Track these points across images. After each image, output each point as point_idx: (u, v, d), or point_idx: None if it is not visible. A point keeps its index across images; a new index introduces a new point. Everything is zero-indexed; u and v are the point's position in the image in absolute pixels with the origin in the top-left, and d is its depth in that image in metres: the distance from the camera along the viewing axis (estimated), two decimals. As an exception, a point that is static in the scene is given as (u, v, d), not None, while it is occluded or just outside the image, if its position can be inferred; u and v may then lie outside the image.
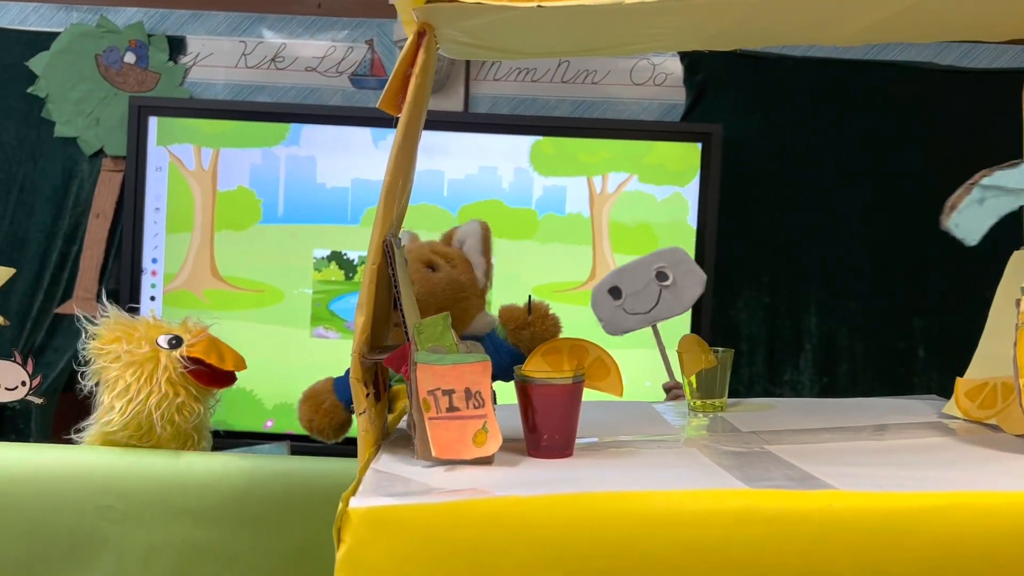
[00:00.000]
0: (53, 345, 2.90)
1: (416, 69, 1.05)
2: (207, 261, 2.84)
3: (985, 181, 1.79)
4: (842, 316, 2.93)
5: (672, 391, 1.88)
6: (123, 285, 2.83)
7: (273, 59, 3.03)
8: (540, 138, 2.85)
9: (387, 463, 1.04)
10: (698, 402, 1.49)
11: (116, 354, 1.54)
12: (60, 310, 2.90)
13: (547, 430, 1.09)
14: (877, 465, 1.08)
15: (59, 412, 2.73)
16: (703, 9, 1.08)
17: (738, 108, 2.95)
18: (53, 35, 2.97)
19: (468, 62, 2.99)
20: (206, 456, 1.49)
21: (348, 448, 2.01)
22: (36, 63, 2.95)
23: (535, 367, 1.16)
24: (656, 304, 1.65)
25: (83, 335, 1.62)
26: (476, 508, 0.86)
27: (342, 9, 3.03)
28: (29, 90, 2.94)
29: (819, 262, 2.93)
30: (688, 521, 0.86)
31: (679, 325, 2.67)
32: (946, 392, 1.52)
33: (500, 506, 0.87)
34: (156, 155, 2.85)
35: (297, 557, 1.38)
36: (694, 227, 2.81)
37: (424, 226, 2.82)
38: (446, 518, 0.85)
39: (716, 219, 2.80)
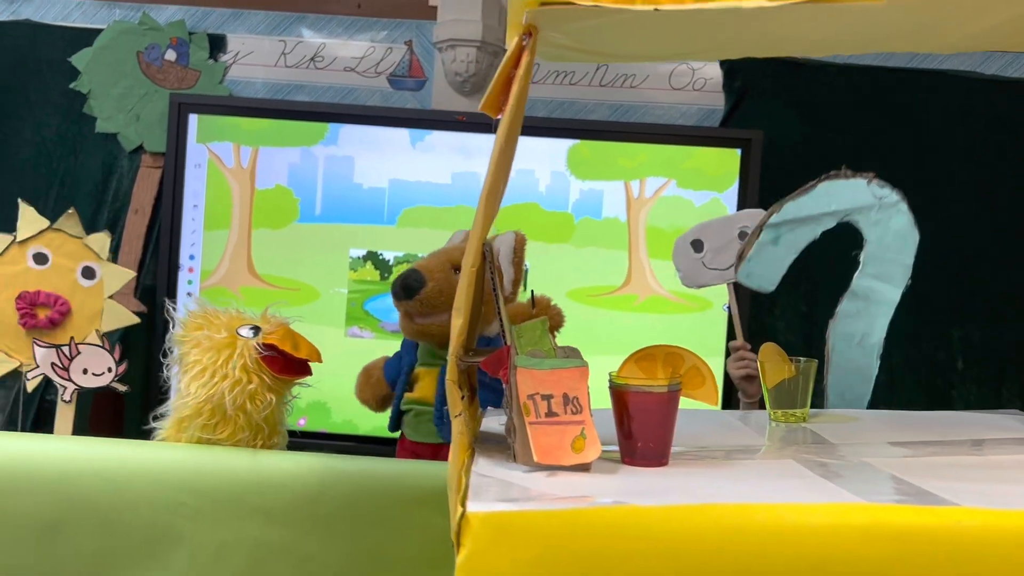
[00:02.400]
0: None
1: (520, 71, 1.03)
2: (244, 259, 2.86)
3: (774, 219, 1.76)
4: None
5: (739, 351, 1.88)
6: (160, 281, 2.85)
7: (312, 59, 3.04)
8: (578, 141, 2.84)
9: (487, 467, 1.02)
10: (779, 412, 1.46)
11: (197, 340, 1.56)
12: (97, 304, 2.92)
13: (643, 438, 1.07)
14: (991, 481, 1.06)
15: (95, 407, 2.75)
16: (815, 15, 1.07)
17: (777, 114, 2.93)
18: (96, 32, 3.00)
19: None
20: (279, 455, 1.48)
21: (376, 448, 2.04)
22: (79, 59, 2.98)
23: (628, 373, 1.14)
24: (735, 264, 1.65)
25: (170, 325, 1.64)
26: (597, 516, 0.85)
27: (381, 10, 3.04)
28: (72, 86, 2.97)
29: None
30: (812, 535, 0.85)
31: (718, 332, 2.68)
32: (989, 404, 1.50)
33: (621, 515, 0.86)
34: (195, 152, 2.87)
35: (368, 559, 1.37)
36: (732, 233, 2.79)
37: (460, 227, 2.83)
38: (566, 525, 0.84)
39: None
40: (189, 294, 2.86)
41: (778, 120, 2.92)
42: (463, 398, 1.06)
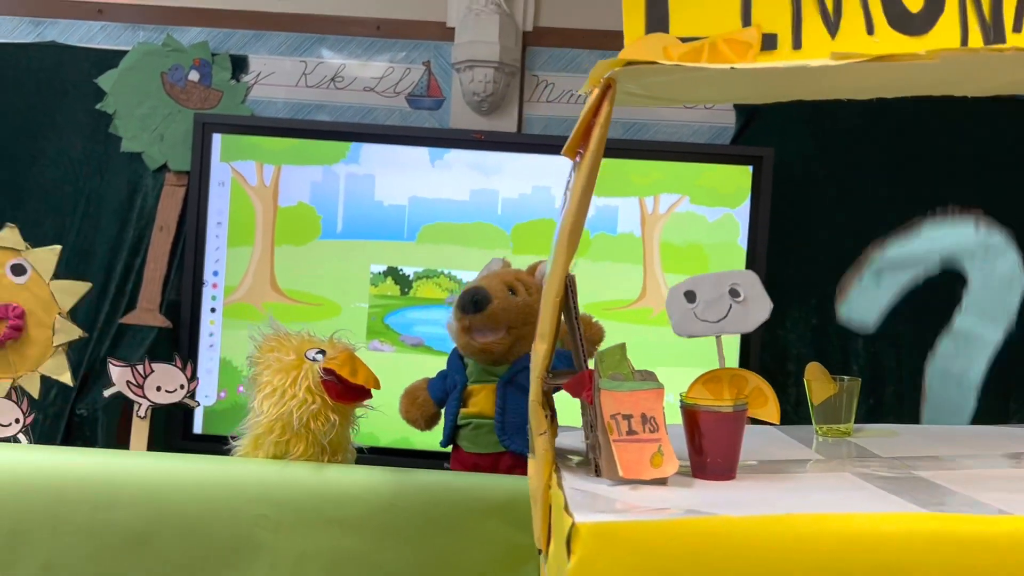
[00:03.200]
0: (118, 355, 2.97)
1: (600, 119, 1.12)
2: (267, 274, 2.92)
3: (878, 258, 1.83)
4: (890, 338, 2.96)
5: None
6: (184, 297, 2.91)
7: (332, 79, 3.11)
8: (593, 159, 2.91)
9: (575, 481, 1.10)
10: (824, 427, 1.56)
11: (269, 362, 1.65)
12: (124, 320, 2.99)
13: (713, 454, 1.16)
14: None
15: (123, 422, 2.81)
16: (878, 68, 1.14)
17: (787, 131, 3.00)
18: (121, 53, 3.07)
19: (522, 84, 3.06)
20: (353, 468, 1.57)
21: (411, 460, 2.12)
22: (105, 80, 3.05)
23: (697, 394, 1.24)
24: (725, 316, 1.72)
25: (251, 346, 1.73)
26: (696, 526, 0.93)
27: (400, 31, 3.11)
28: (98, 106, 3.04)
29: (867, 284, 2.97)
30: (886, 543, 0.92)
31: (730, 346, 2.74)
32: (996, 416, 1.59)
33: (718, 525, 0.94)
34: (219, 170, 2.93)
35: (438, 567, 1.45)
36: (744, 248, 2.86)
37: (478, 243, 2.92)
38: (668, 534, 0.91)
39: (767, 241, 2.84)
40: (213, 310, 2.92)
41: (788, 137, 2.99)
42: (547, 416, 1.14)
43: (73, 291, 2.21)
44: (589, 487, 1.08)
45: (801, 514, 0.96)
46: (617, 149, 2.95)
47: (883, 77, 1.24)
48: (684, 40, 1.11)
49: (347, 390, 1.61)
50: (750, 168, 2.87)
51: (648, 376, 1.21)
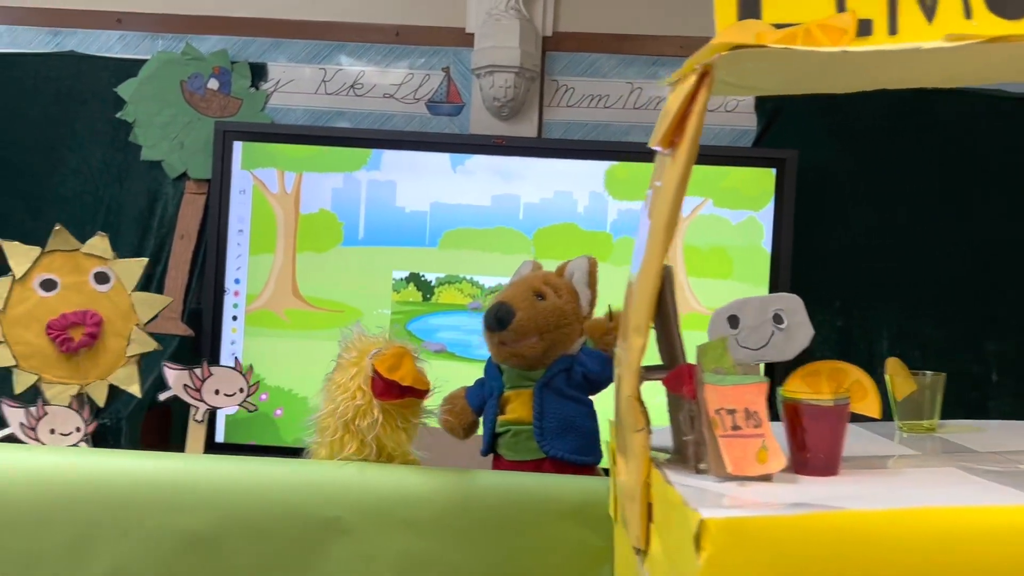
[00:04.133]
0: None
1: (697, 108, 1.10)
2: (289, 282, 2.91)
3: None
4: (915, 340, 2.94)
5: None
6: (206, 305, 2.90)
7: (352, 86, 3.11)
8: (615, 163, 2.91)
9: (680, 478, 1.08)
10: (906, 423, 1.55)
11: (339, 362, 1.68)
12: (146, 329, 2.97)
13: (815, 449, 1.14)
14: None
15: (145, 427, 2.80)
16: (986, 53, 1.12)
17: (810, 133, 2.99)
18: (140, 62, 3.07)
19: (542, 89, 3.05)
20: (424, 470, 1.54)
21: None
22: (124, 89, 3.05)
23: (795, 388, 1.21)
24: (766, 344, 1.71)
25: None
26: (832, 521, 0.91)
27: (419, 38, 3.11)
28: (118, 115, 3.03)
29: (892, 286, 2.95)
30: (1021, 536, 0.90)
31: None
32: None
33: (854, 520, 0.92)
34: (240, 178, 2.93)
35: (510, 570, 1.42)
36: (768, 251, 2.85)
37: (500, 248, 2.91)
38: (802, 530, 0.90)
39: (791, 243, 2.83)
40: (235, 317, 2.91)
41: (811, 139, 2.98)
42: (643, 412, 1.12)
43: (153, 304, 2.22)
44: (696, 483, 1.06)
45: (939, 507, 0.95)
46: (639, 152, 2.94)
47: (990, 61, 1.21)
48: (777, 27, 1.09)
49: (388, 387, 1.60)
50: (773, 170, 2.86)
51: (750, 370, 1.19)
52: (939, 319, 2.96)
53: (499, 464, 2.01)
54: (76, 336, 2.11)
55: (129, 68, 3.07)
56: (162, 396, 2.03)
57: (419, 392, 1.64)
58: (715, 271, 2.87)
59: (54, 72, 3.09)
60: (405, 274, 2.91)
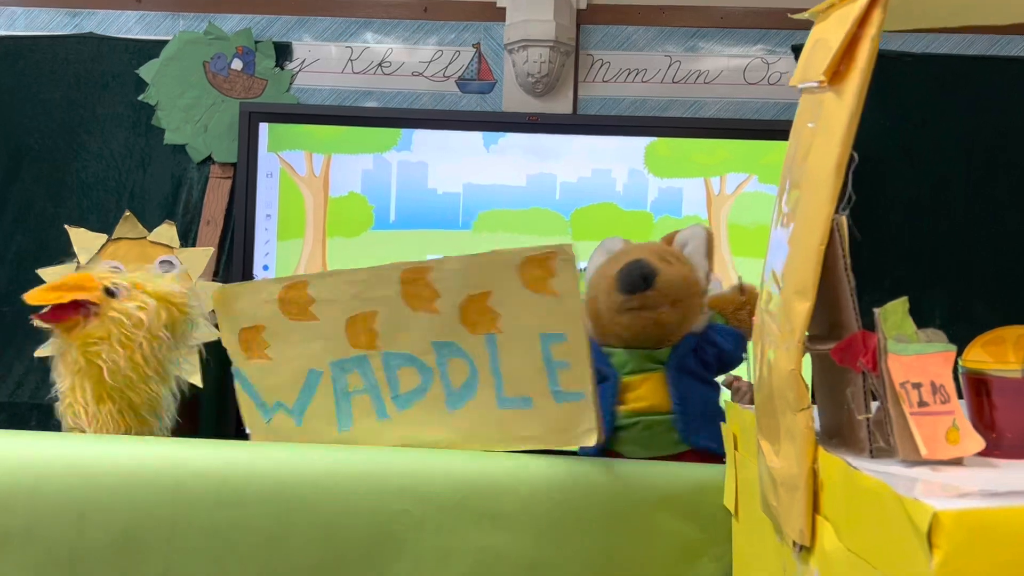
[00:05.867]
0: (167, 353, 2.88)
1: (869, 31, 0.95)
2: (319, 267, 2.82)
3: None
4: (968, 319, 2.83)
5: (734, 384, 1.85)
6: (234, 292, 2.81)
7: (379, 64, 3.00)
8: (655, 139, 2.80)
9: (862, 463, 0.94)
10: None
11: None
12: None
13: (1010, 427, 1.00)
14: None
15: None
16: None
17: (856, 107, 2.88)
18: (161, 43, 2.98)
19: (577, 64, 2.94)
20: (504, 456, 1.39)
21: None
22: (146, 71, 2.95)
23: (975, 358, 1.06)
24: None
25: None
26: None
27: (448, 13, 3.00)
28: (140, 97, 2.94)
29: (944, 264, 2.84)
30: None
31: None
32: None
33: None
34: (267, 161, 2.84)
35: (603, 567, 1.28)
36: (816, 229, 2.74)
37: (536, 230, 2.81)
38: None
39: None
40: (264, 305, 2.82)
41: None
42: (807, 389, 0.98)
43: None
44: (883, 469, 0.91)
45: None
46: (679, 128, 2.84)
47: None
48: None
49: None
50: (820, 145, 2.74)
51: (934, 336, 1.03)
52: (993, 300, 2.84)
53: None
54: None
55: (150, 49, 2.98)
56: None
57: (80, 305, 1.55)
58: (761, 250, 2.74)
59: (73, 55, 3.00)
60: (438, 258, 2.81)
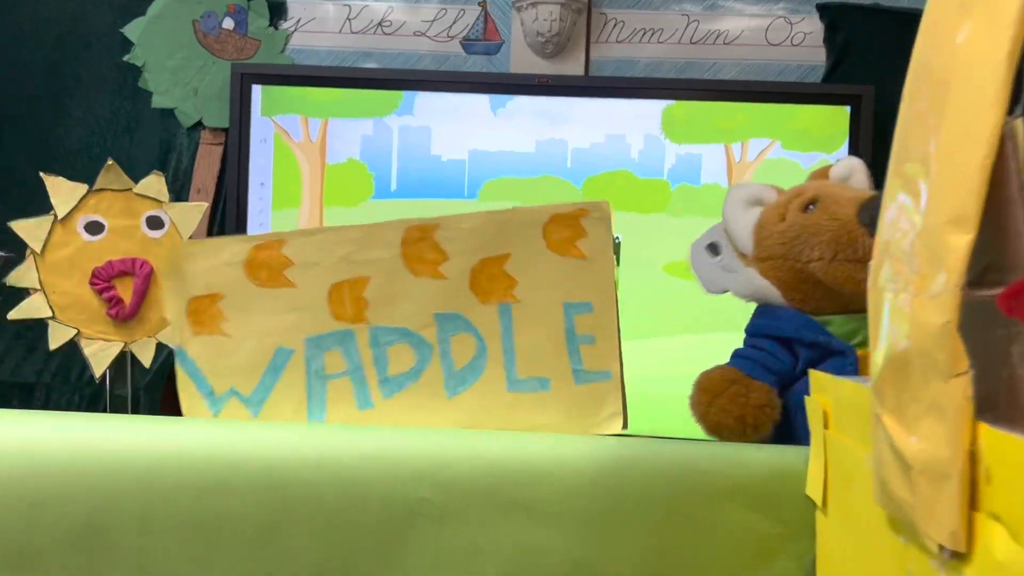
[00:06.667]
0: (156, 329, 2.74)
1: None
2: (316, 239, 2.67)
3: None
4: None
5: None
6: (227, 265, 2.66)
7: (379, 24, 2.84)
8: (672, 103, 2.64)
9: None
10: None
11: None
12: (162, 291, 2.74)
13: None
14: None
15: (165, 398, 2.58)
16: None
17: (882, 69, 2.71)
18: (147, 0, 2.81)
19: (589, 23, 2.77)
20: (542, 437, 1.19)
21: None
22: (131, 30, 2.79)
23: None
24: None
25: None
26: None
27: (452, -32, 2.83)
28: (125, 59, 2.78)
29: (977, 235, 2.69)
30: None
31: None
32: None
33: None
34: (260, 126, 2.68)
35: (659, 565, 1.10)
36: (843, 198, 2.58)
37: (545, 199, 2.63)
38: None
39: (868, 188, 2.57)
40: (258, 278, 2.67)
41: (883, 75, 2.69)
42: (964, 349, 0.74)
43: None
44: None
45: None
46: (697, 90, 2.68)
47: None
48: None
49: None
50: (848, 108, 2.59)
51: None
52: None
53: None
54: (125, 295, 1.82)
55: (136, 7, 2.81)
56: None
57: None
58: (784, 221, 2.61)
59: (54, 13, 2.83)
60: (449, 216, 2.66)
